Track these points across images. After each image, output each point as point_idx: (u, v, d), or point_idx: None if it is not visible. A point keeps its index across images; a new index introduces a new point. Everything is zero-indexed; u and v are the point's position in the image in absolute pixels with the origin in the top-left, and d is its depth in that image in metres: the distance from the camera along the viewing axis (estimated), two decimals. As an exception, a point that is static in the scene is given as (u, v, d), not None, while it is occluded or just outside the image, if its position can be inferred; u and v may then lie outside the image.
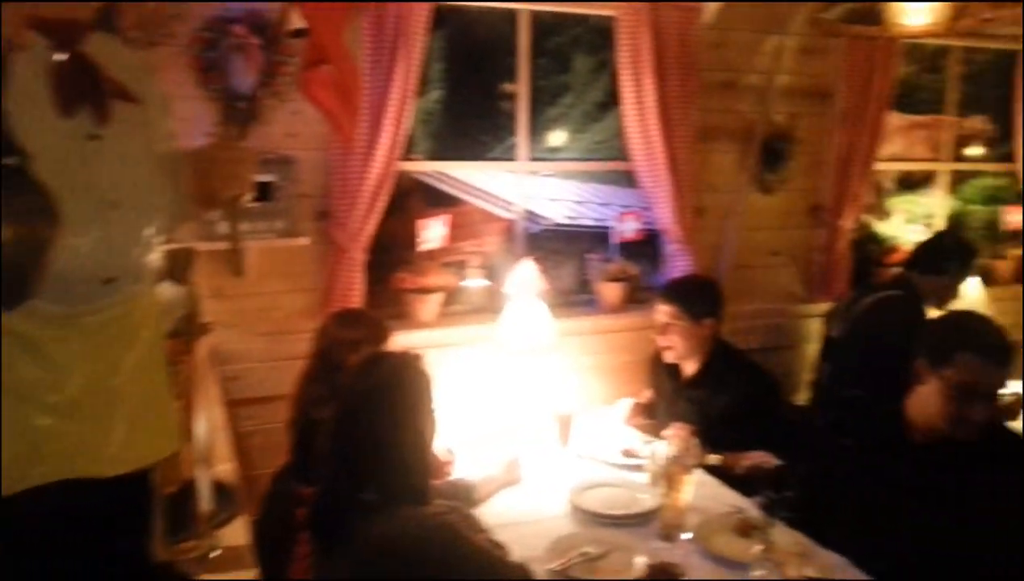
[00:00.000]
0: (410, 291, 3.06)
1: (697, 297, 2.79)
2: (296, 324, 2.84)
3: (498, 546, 1.77)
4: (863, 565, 1.92)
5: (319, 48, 2.31)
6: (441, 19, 3.15)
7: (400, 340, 2.64)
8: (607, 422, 2.90)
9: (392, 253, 3.25)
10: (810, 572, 1.79)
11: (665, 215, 3.30)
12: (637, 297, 3.47)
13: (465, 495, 2.22)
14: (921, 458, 1.99)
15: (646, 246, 3.50)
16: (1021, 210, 4.11)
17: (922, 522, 1.94)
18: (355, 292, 2.86)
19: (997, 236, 4.15)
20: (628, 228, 3.42)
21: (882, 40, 3.48)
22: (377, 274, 3.03)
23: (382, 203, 2.86)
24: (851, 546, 2.05)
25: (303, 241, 2.81)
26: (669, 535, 2.06)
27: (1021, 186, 4.16)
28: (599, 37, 4.24)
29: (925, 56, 4.18)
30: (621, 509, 2.21)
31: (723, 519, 2.11)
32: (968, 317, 2.05)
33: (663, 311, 2.78)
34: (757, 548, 1.77)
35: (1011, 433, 2.04)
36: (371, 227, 2.86)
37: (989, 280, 3.98)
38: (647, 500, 2.24)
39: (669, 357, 2.82)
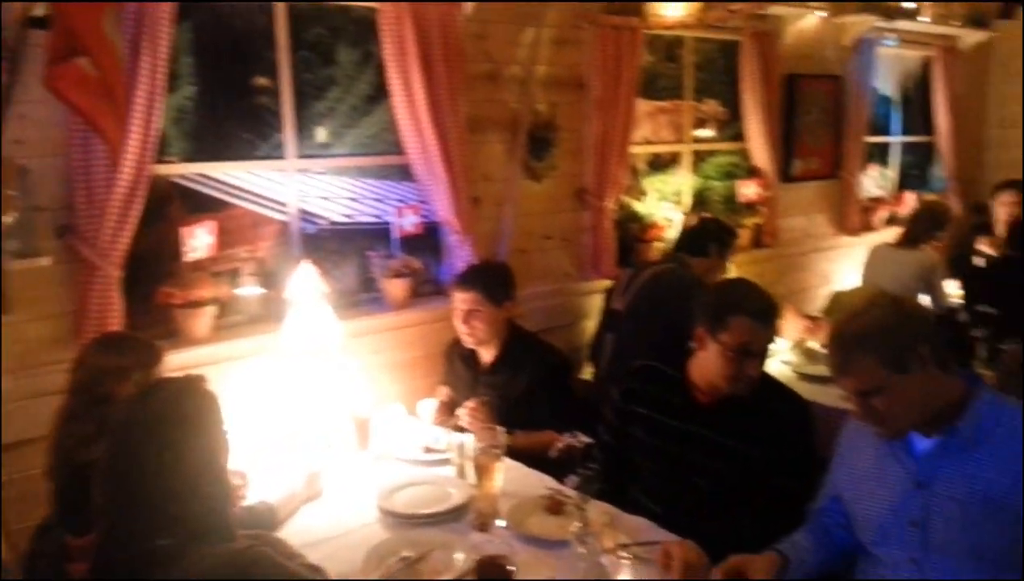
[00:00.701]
0: (178, 306, 2.80)
1: (496, 282, 2.85)
2: (44, 356, 2.50)
3: (315, 569, 1.66)
4: (664, 520, 2.05)
5: (71, 39, 2.00)
6: (188, 9, 2.90)
7: (174, 361, 2.41)
8: (405, 420, 2.85)
9: (154, 266, 2.95)
10: (622, 539, 1.87)
11: (443, 207, 3.30)
12: (422, 291, 3.45)
13: (266, 519, 2.07)
14: (706, 416, 2.16)
15: (427, 239, 3.49)
16: (753, 184, 4.59)
17: (714, 470, 2.11)
18: (113, 313, 2.56)
19: (735, 208, 4.60)
20: (407, 222, 3.38)
21: (627, 31, 3.72)
22: (138, 291, 2.74)
23: (136, 212, 2.58)
24: (653, 504, 2.18)
25: (43, 261, 2.47)
26: (484, 525, 2.06)
27: (751, 162, 4.65)
28: (362, 29, 4.14)
29: (663, 47, 4.52)
30: (432, 507, 2.18)
31: (533, 501, 2.15)
32: (738, 284, 2.24)
33: (465, 299, 2.79)
34: (575, 525, 1.81)
35: (777, 383, 2.25)
36: (125, 240, 2.57)
37: (732, 248, 4.43)
38: (457, 494, 2.23)
39: (470, 343, 2.84)
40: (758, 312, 2.07)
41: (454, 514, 2.14)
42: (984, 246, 5.08)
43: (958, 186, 5.98)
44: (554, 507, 2.09)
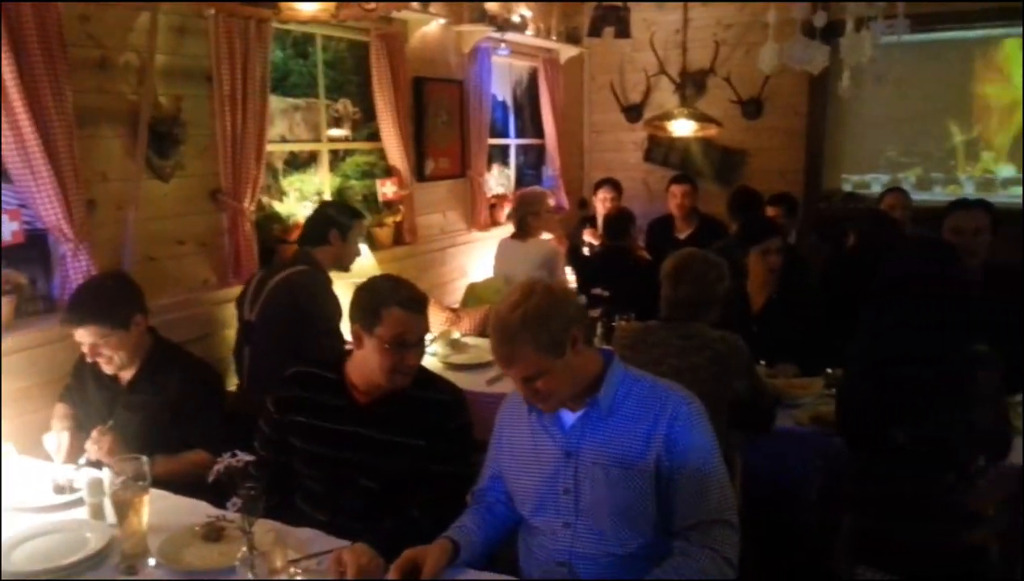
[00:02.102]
0: None
1: (114, 303, 2.50)
2: None
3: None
4: (331, 527, 2.01)
5: None
6: None
7: None
8: (19, 462, 2.43)
9: None
10: (292, 555, 1.79)
11: (49, 212, 2.86)
12: (29, 309, 2.96)
13: None
14: (367, 416, 2.16)
15: (32, 249, 2.99)
16: (390, 183, 4.69)
17: (380, 469, 2.12)
18: None
19: (375, 207, 4.67)
20: (6, 230, 2.86)
21: (255, 23, 3.56)
22: None
23: None
24: (319, 512, 2.14)
25: None
26: (133, 568, 1.84)
27: (388, 162, 4.75)
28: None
29: (293, 42, 4.42)
30: (66, 557, 1.88)
31: (189, 532, 1.97)
32: (384, 279, 2.25)
33: (83, 334, 2.45)
34: (242, 550, 1.69)
35: (431, 374, 2.32)
36: None
37: (373, 245, 4.49)
38: (95, 537, 1.96)
39: (110, 371, 2.52)
40: (409, 301, 2.12)
41: (93, 561, 1.88)
42: (588, 236, 5.81)
43: (565, 184, 6.74)
44: (213, 534, 1.94)
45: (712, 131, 6.37)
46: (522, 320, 1.75)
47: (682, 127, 6.23)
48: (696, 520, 1.74)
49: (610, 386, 1.86)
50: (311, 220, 3.54)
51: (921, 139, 6.04)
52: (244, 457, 1.62)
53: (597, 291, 4.45)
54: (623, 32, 6.10)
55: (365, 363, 2.14)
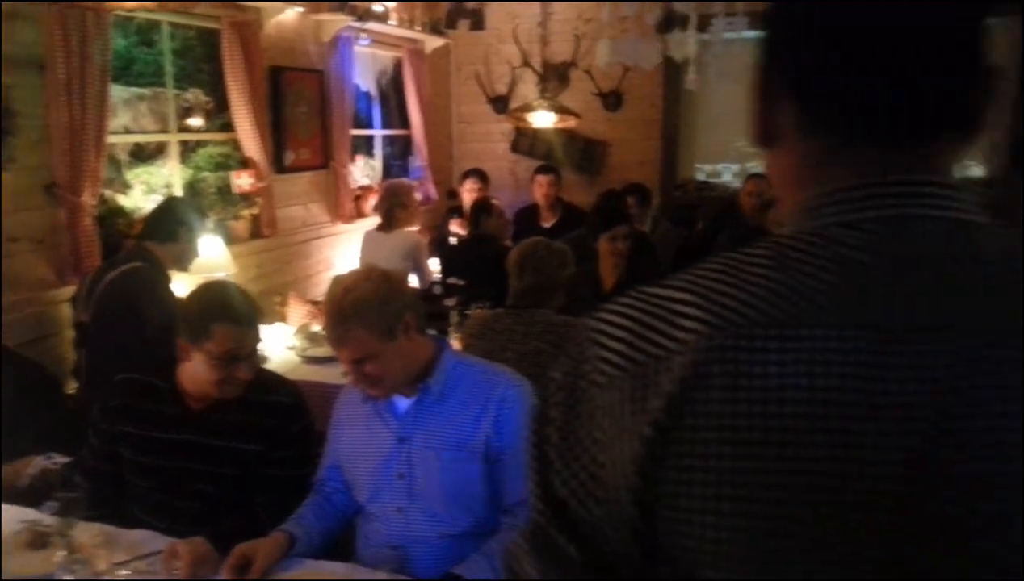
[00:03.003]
0: None
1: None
2: None
3: None
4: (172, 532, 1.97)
5: None
6: None
7: None
8: None
9: None
10: (120, 557, 1.76)
11: None
12: None
13: None
14: (202, 422, 2.09)
15: None
16: (246, 175, 4.59)
17: (218, 475, 2.08)
18: None
19: (230, 199, 4.56)
20: None
21: (91, 12, 3.41)
22: None
23: None
24: (157, 520, 2.08)
25: None
26: (-54, 582, 1.75)
27: (243, 153, 4.64)
28: None
29: (137, 30, 4.24)
30: None
31: (10, 539, 1.90)
32: (215, 291, 2.16)
33: None
34: (59, 554, 1.65)
35: (268, 374, 2.27)
36: None
37: (229, 239, 4.38)
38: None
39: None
40: (240, 317, 2.04)
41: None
42: (455, 226, 5.87)
43: (434, 175, 6.77)
44: (35, 540, 1.87)
45: (572, 122, 6.54)
46: (355, 303, 1.80)
47: (542, 119, 6.37)
48: (524, 497, 1.83)
49: (442, 372, 1.91)
50: (157, 215, 3.37)
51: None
52: (60, 459, 1.57)
53: (452, 280, 4.51)
54: (478, 25, 6.18)
55: (194, 374, 2.06)
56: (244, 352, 2.05)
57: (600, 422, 0.65)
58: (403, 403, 1.94)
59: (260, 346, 2.16)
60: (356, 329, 1.80)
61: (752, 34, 4.85)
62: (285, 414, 2.12)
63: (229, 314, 2.02)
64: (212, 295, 2.11)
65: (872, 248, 0.63)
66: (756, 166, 6.49)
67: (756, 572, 0.61)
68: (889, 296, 0.61)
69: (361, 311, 1.79)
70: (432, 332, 2.24)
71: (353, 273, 2.00)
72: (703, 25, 4.40)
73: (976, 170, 6.01)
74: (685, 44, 4.16)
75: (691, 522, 0.61)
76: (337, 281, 1.98)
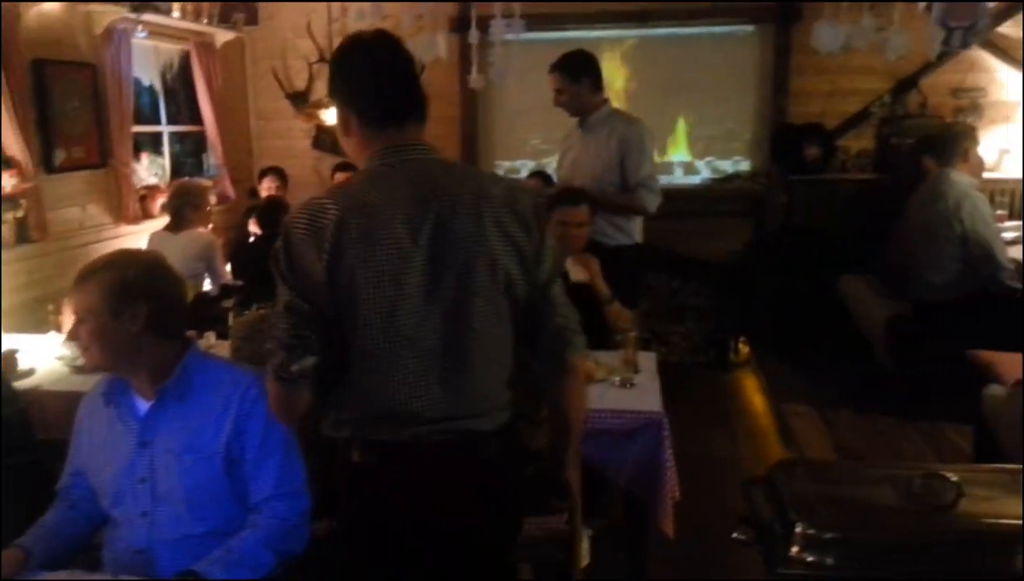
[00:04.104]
0: None
1: None
2: None
3: None
4: None
5: None
6: None
7: None
8: None
9: None
10: None
11: None
12: None
13: None
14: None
15: None
16: (7, 175, 4.27)
17: None
18: None
19: (-9, 201, 4.23)
20: None
21: None
22: None
23: None
24: None
25: None
26: None
27: (4, 153, 4.31)
28: None
29: None
30: None
31: None
32: None
33: None
34: None
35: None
36: None
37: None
38: None
39: None
40: None
41: None
42: (255, 226, 5.74)
43: (232, 173, 6.56)
44: None
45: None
46: (104, 266, 1.86)
47: (333, 116, 6.33)
48: (266, 495, 1.87)
49: (184, 373, 1.91)
50: None
51: (558, 129, 6.70)
52: None
53: (227, 282, 4.45)
54: (252, 20, 6.08)
55: None
56: None
57: (303, 254, 1.57)
58: (143, 406, 1.92)
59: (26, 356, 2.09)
60: (90, 285, 1.83)
61: (531, 36, 5.10)
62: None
63: None
64: None
65: (402, 170, 1.65)
66: (551, 162, 6.80)
67: (383, 311, 1.58)
68: (413, 185, 1.63)
69: (102, 275, 1.83)
70: (191, 333, 2.24)
71: (138, 252, 2.05)
72: (483, 26, 4.56)
73: (743, 165, 6.63)
74: (431, 45, 4.33)
75: (351, 287, 1.57)
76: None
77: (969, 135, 4.71)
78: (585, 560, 3.03)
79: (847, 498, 1.44)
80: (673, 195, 5.99)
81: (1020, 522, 1.34)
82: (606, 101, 4.10)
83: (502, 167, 6.85)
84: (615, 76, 6.53)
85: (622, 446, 2.74)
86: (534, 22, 5.22)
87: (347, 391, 1.63)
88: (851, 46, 4.83)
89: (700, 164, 6.67)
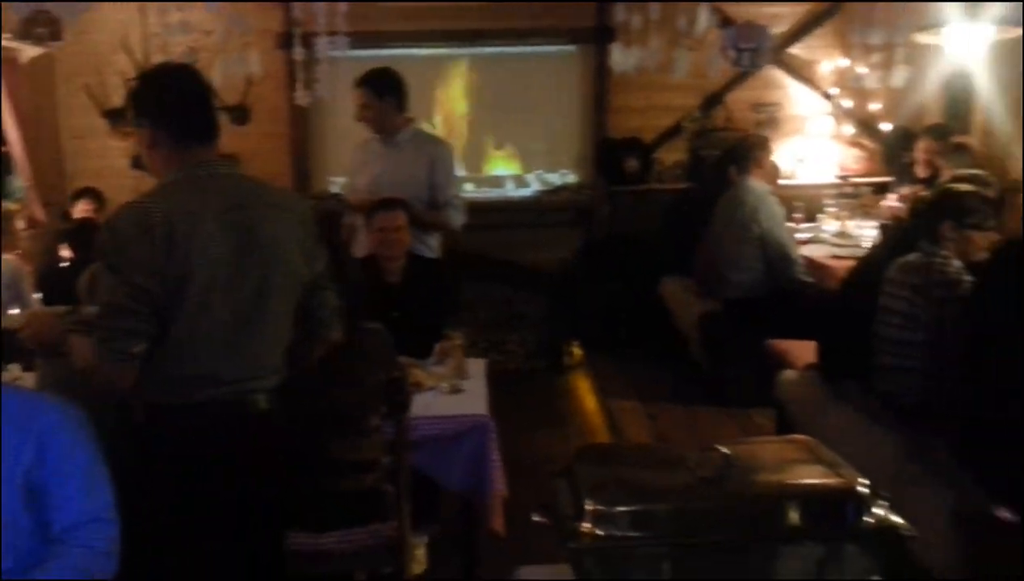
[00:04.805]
0: None
1: None
2: None
3: None
4: None
5: None
6: None
7: None
8: None
9: None
10: None
11: None
12: None
13: None
14: None
15: None
16: None
17: None
18: None
19: None
20: None
21: None
22: None
23: None
24: None
25: None
26: None
27: None
28: None
29: None
30: None
31: None
32: None
33: None
34: None
35: None
36: None
37: None
38: None
39: None
40: None
41: None
42: (66, 251, 5.41)
43: (42, 195, 6.15)
44: None
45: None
46: None
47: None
48: (71, 522, 1.82)
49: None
50: None
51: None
52: None
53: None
54: (56, 36, 5.75)
55: None
56: None
57: (136, 248, 1.94)
58: None
59: None
60: None
61: (360, 53, 5.15)
62: None
63: None
64: None
65: (202, 182, 2.06)
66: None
67: (200, 298, 1.99)
68: (223, 194, 2.07)
69: None
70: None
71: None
72: (308, 43, 4.56)
73: (570, 177, 6.95)
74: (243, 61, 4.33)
75: (179, 277, 1.96)
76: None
77: (762, 145, 5.20)
78: (421, 566, 3.11)
79: (635, 477, 1.56)
80: (504, 208, 6.29)
81: (786, 486, 1.51)
82: (411, 120, 4.15)
83: (337, 183, 6.81)
84: (448, 93, 6.68)
85: (451, 450, 2.84)
86: (364, 40, 5.27)
87: (160, 363, 2.01)
88: (642, 67, 5.30)
89: (530, 177, 6.93)
